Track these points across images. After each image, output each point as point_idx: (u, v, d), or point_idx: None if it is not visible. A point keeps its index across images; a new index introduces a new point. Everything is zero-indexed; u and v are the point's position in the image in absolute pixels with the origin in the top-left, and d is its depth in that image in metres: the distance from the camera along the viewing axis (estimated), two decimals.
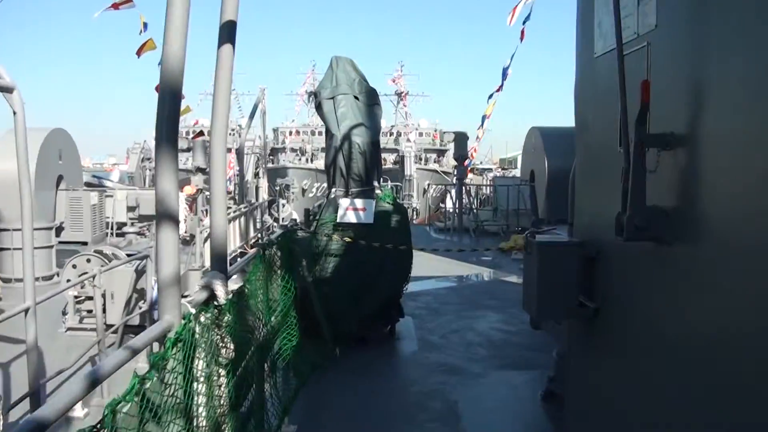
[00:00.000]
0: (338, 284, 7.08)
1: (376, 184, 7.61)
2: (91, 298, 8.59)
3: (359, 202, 7.28)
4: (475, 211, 19.88)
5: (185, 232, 14.60)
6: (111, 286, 8.50)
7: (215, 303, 3.28)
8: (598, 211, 3.83)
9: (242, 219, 15.48)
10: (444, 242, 17.27)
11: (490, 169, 48.83)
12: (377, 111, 7.86)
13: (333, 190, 7.54)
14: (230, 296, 3.39)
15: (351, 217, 7.22)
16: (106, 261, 9.52)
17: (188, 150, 20.30)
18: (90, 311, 8.78)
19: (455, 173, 20.26)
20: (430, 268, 12.43)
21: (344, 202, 7.30)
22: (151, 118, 2.53)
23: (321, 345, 6.71)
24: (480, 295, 10.32)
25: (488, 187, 25.60)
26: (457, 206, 19.11)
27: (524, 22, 19.56)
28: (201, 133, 33.03)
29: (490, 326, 8.34)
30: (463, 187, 19.40)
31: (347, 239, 7.00)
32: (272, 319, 5.09)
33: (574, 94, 4.25)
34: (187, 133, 37.01)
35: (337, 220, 7.24)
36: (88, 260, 9.67)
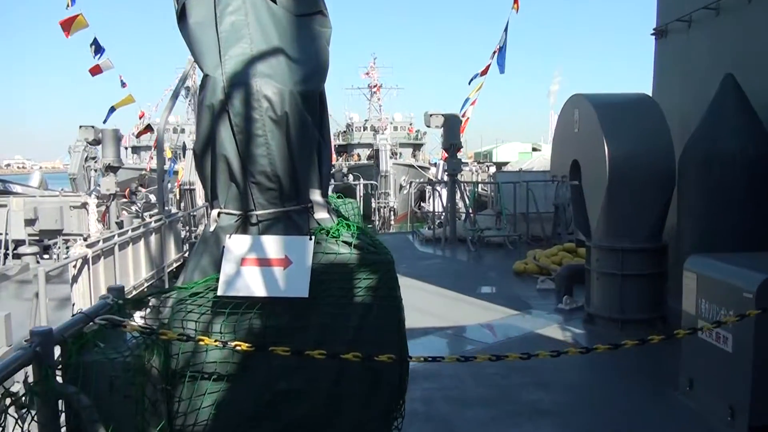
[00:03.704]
0: None
1: (317, 198, 3.22)
2: None
3: (272, 245, 2.93)
4: (472, 216, 15.49)
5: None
6: None
7: None
8: None
9: (153, 238, 10.99)
10: (436, 260, 12.94)
11: (466, 163, 45.49)
12: (318, 30, 3.42)
13: (213, 212, 3.16)
14: None
15: (252, 286, 2.86)
16: None
17: (96, 143, 15.46)
18: None
19: (445, 167, 15.87)
20: (420, 310, 8.18)
21: (236, 245, 2.94)
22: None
23: None
24: (515, 375, 6.03)
25: (486, 185, 21.24)
26: (449, 210, 14.69)
27: None
28: (149, 128, 28.22)
29: None
30: (456, 185, 15.02)
31: (240, 345, 2.64)
32: None
33: None
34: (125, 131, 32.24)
35: (219, 293, 2.88)
36: None
